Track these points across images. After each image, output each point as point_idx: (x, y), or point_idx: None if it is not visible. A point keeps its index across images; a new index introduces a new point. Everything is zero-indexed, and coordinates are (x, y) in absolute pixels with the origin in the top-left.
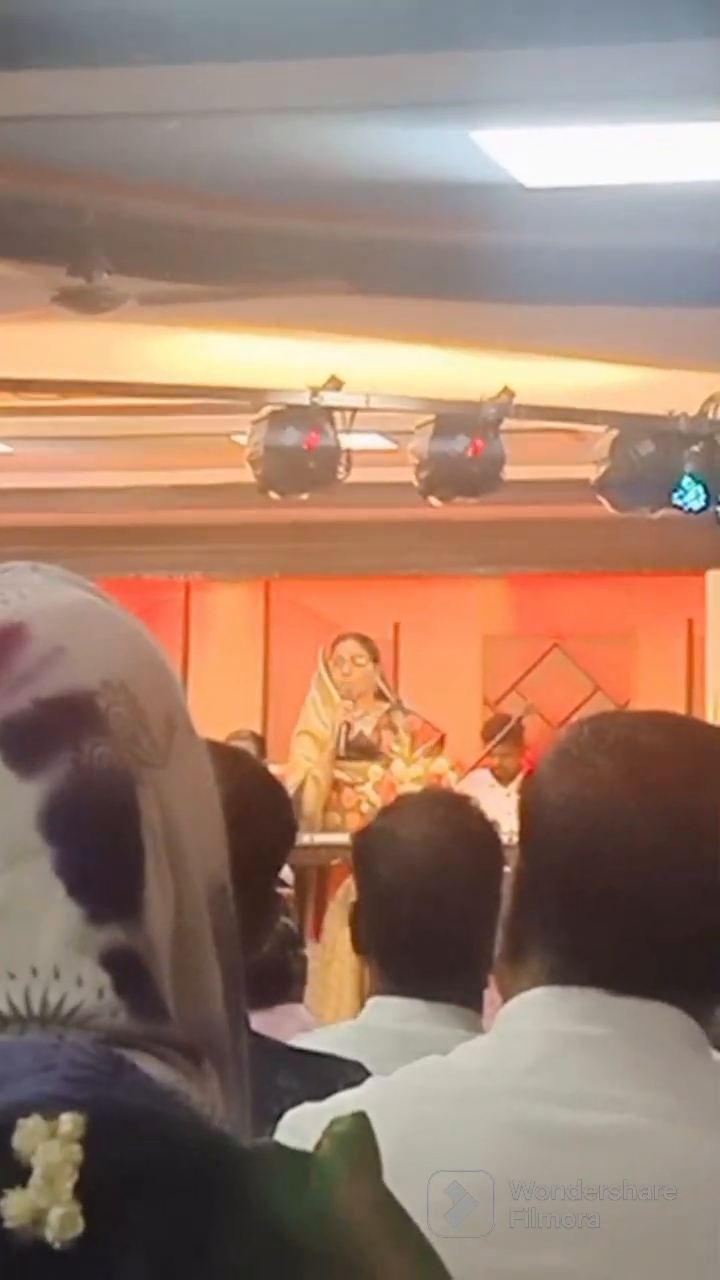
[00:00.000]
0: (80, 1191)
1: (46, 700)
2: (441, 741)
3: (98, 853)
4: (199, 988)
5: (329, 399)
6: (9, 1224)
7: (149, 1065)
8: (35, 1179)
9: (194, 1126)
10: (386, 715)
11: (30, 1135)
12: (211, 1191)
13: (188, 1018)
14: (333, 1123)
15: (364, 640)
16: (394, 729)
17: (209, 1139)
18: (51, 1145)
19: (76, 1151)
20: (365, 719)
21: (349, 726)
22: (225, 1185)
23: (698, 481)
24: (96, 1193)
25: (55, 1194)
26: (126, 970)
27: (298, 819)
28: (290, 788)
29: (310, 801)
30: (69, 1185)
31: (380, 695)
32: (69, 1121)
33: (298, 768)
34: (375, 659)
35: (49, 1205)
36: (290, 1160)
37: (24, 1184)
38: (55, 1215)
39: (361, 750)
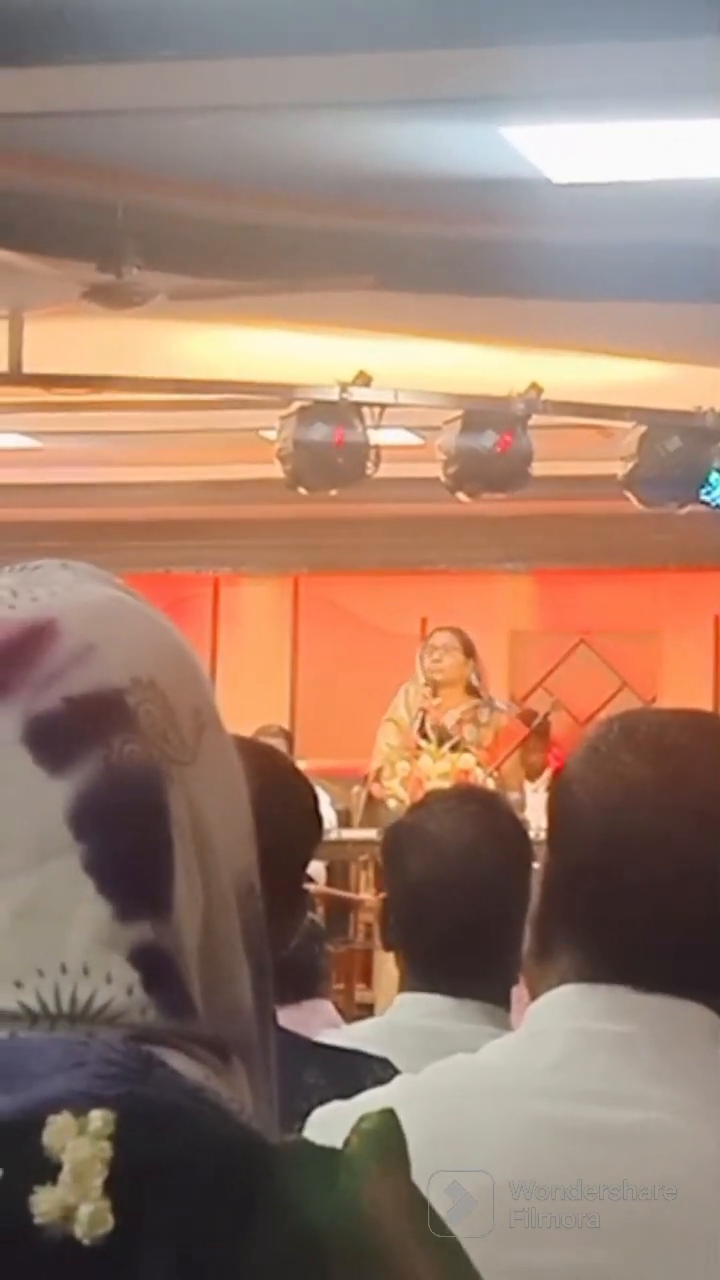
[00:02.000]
0: (109, 1188)
1: (77, 698)
2: (524, 741)
3: (127, 850)
4: (227, 984)
5: (358, 395)
6: (39, 1220)
7: (177, 1062)
8: (65, 1176)
9: (223, 1123)
10: (473, 710)
11: (60, 1132)
12: (240, 1188)
13: (216, 1014)
14: (361, 1119)
15: (457, 632)
16: (477, 723)
17: (238, 1136)
18: (81, 1142)
19: (106, 1148)
20: (451, 712)
21: (425, 714)
22: (254, 1182)
23: None
24: (126, 1189)
25: (84, 1191)
26: (155, 967)
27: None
28: (370, 771)
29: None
30: (98, 1182)
31: (472, 690)
32: (99, 1118)
33: (379, 754)
34: (468, 653)
35: (78, 1202)
36: (318, 1157)
37: (54, 1181)
38: (84, 1212)
39: (441, 739)
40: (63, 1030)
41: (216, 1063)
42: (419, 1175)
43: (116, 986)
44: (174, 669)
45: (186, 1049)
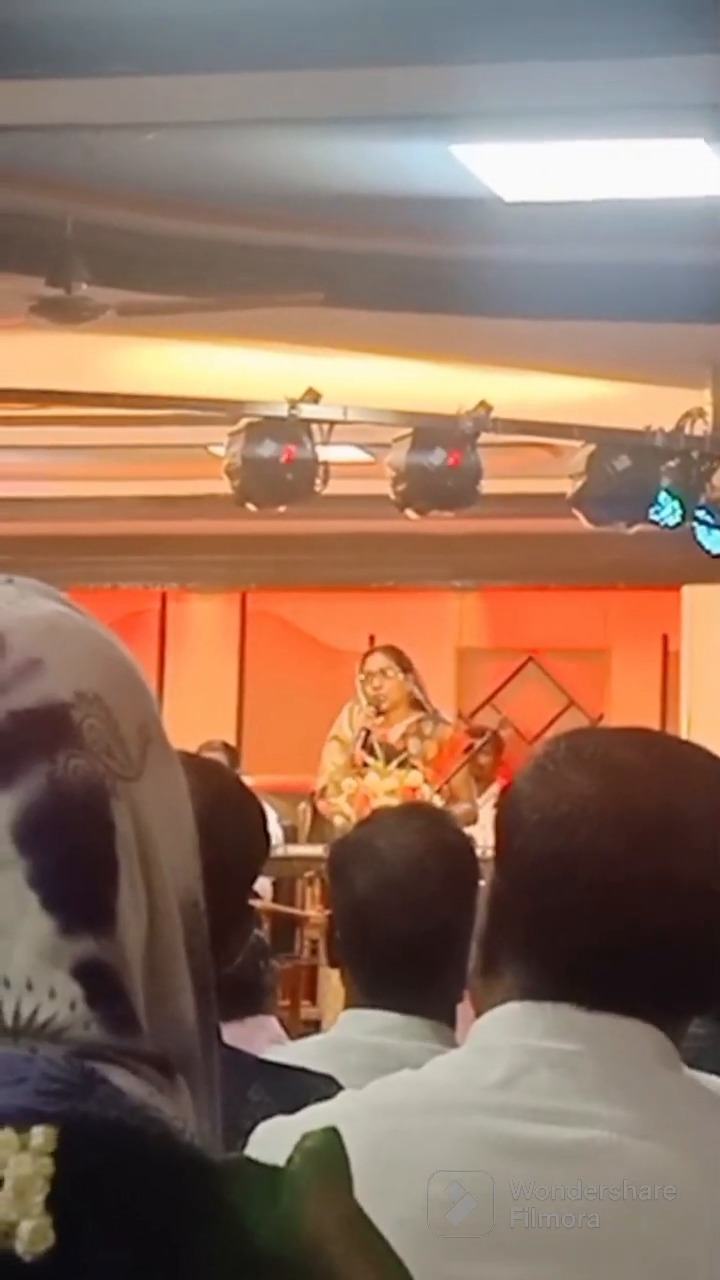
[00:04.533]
0: (52, 1204)
1: (21, 712)
2: (469, 749)
3: (71, 865)
4: (171, 1000)
5: (307, 411)
6: None
7: (120, 1078)
8: (6, 1191)
9: (166, 1140)
10: (416, 724)
11: (2, 1148)
12: (183, 1205)
13: (159, 1030)
14: (304, 1137)
15: (393, 652)
16: (421, 736)
17: (181, 1153)
18: (23, 1158)
19: (48, 1165)
20: (396, 727)
21: (367, 733)
22: (196, 1199)
23: (674, 497)
24: (68, 1206)
25: (26, 1207)
26: (99, 983)
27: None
28: (316, 789)
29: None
30: (40, 1198)
31: (416, 705)
32: (41, 1135)
33: (324, 772)
34: (407, 670)
35: (19, 1218)
36: (261, 1174)
37: None
38: (26, 1228)
39: (388, 756)
40: (5, 1045)
41: (160, 1079)
42: (362, 1193)
43: (60, 1002)
44: (119, 684)
45: (129, 1065)
